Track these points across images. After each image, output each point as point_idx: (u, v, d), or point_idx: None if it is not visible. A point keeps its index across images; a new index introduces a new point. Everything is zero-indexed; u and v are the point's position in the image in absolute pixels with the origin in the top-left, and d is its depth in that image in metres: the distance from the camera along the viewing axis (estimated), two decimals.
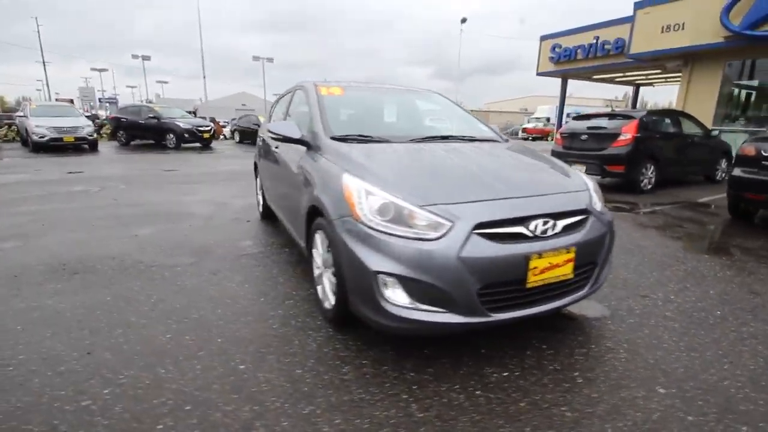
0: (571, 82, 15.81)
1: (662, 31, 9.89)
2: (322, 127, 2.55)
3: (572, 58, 13.59)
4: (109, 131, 17.36)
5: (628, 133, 6.56)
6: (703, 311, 2.49)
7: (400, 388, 1.72)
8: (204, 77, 25.82)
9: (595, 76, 14.90)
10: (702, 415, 1.59)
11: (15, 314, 2.30)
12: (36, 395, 1.64)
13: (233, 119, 31.59)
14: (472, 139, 2.80)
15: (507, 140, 3.00)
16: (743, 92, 10.29)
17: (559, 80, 15.52)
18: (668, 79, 14.99)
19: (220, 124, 24.98)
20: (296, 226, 2.78)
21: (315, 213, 2.30)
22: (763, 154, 4.25)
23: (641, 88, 17.67)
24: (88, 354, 1.92)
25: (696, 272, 3.14)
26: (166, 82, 67.63)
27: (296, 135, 2.59)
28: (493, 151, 2.59)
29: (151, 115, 14.94)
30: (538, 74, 15.37)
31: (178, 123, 14.81)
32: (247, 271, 3.01)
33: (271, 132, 2.68)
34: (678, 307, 2.54)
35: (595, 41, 12.72)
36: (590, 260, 2.03)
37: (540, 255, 1.80)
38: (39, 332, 2.11)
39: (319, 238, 2.28)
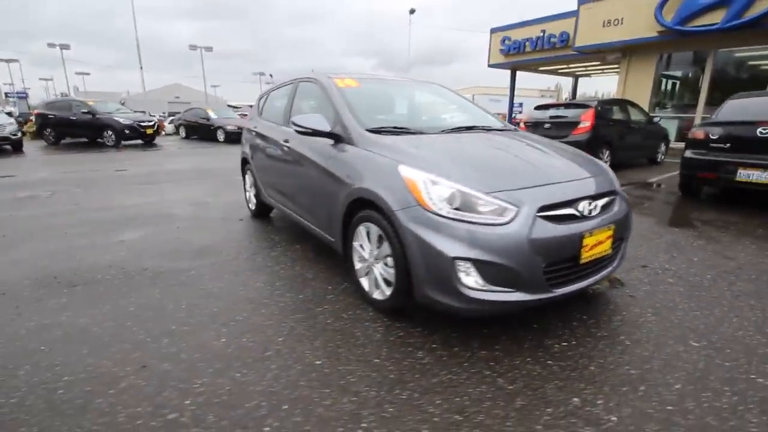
0: (507, 74, 16.51)
1: (603, 26, 10.75)
2: (354, 120, 2.53)
3: (521, 50, 14.33)
4: (33, 129, 15.47)
5: (586, 121, 7.12)
6: (696, 276, 2.84)
7: (479, 366, 1.81)
8: (141, 68, 23.67)
9: (541, 68, 15.85)
10: (735, 360, 1.86)
11: (31, 334, 2.07)
12: (109, 415, 1.52)
13: (168, 113, 29.49)
14: (490, 129, 2.93)
15: (516, 129, 3.17)
16: (669, 82, 11.51)
17: (500, 70, 16.19)
18: (605, 70, 16.33)
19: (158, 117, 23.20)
20: (323, 221, 2.75)
21: (358, 206, 2.30)
22: (711, 137, 4.85)
23: (579, 79, 19.08)
24: (143, 367, 1.80)
25: (676, 243, 3.55)
26: (87, 74, 61.12)
27: (326, 128, 2.55)
28: (520, 139, 2.73)
29: (85, 110, 13.52)
30: (490, 66, 16.03)
31: (117, 118, 13.57)
32: (269, 271, 2.93)
33: (296, 125, 2.61)
34: (675, 273, 2.88)
35: (542, 34, 13.52)
36: (620, 236, 2.24)
37: (591, 233, 1.97)
38: (72, 351, 1.92)
39: (363, 231, 2.29)
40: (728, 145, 4.71)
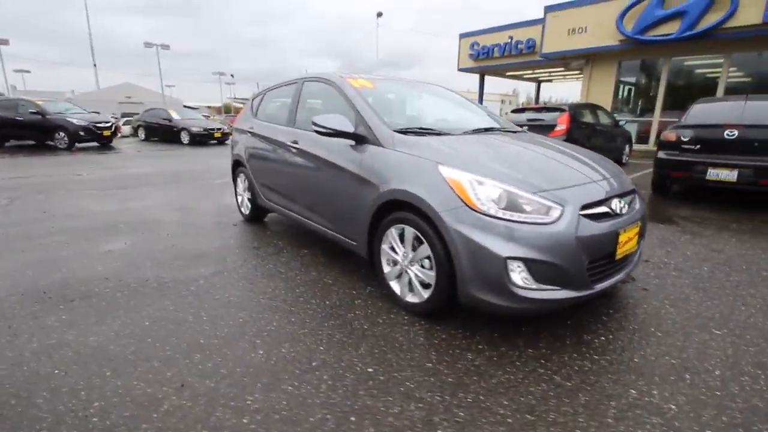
0: (470, 78, 17.03)
1: (569, 34, 11.30)
2: (379, 121, 2.48)
3: (490, 55, 14.76)
4: None
5: (562, 123, 7.44)
6: (695, 269, 3.03)
7: (531, 364, 1.82)
8: (95, 65, 22.08)
9: (508, 73, 16.41)
10: (757, 345, 1.99)
11: (37, 356, 1.86)
12: None
13: (121, 114, 27.71)
14: (507, 131, 2.98)
15: (525, 130, 3.24)
16: (628, 88, 12.29)
17: (467, 75, 16.62)
18: (566, 76, 17.19)
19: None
20: (342, 224, 2.68)
21: (389, 208, 2.26)
22: (683, 139, 5.21)
23: (541, 85, 19.96)
24: (182, 386, 1.66)
25: (666, 239, 3.77)
26: (27, 71, 56.33)
27: (350, 129, 2.49)
28: (539, 141, 2.79)
29: (34, 111, 12.46)
30: (459, 70, 16.40)
31: (70, 119, 12.60)
32: (285, 276, 2.81)
33: (318, 125, 2.52)
34: (676, 267, 3.06)
35: (510, 40, 14.00)
36: (642, 233, 2.35)
37: (624, 230, 2.05)
38: (93, 373, 1.74)
39: (395, 233, 2.25)
40: (698, 146, 5.08)
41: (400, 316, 2.25)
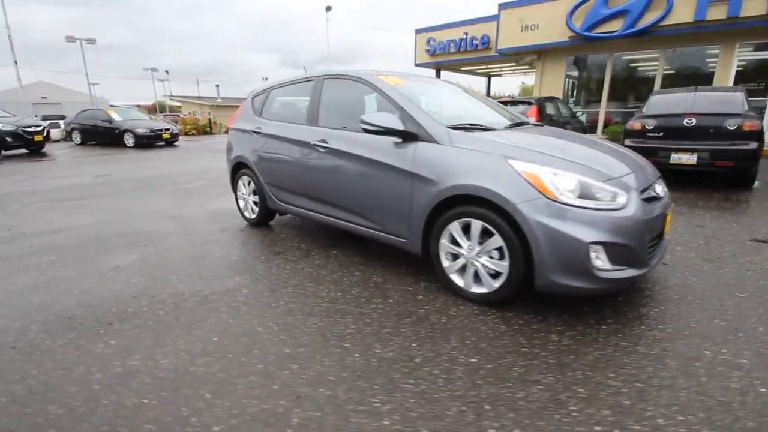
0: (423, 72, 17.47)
1: (522, 30, 11.92)
2: (430, 118, 2.51)
3: (446, 51, 15.16)
4: None
5: (531, 116, 7.88)
6: (692, 242, 3.40)
7: (613, 339, 1.97)
8: (15, 62, 19.43)
9: (463, 68, 16.96)
10: None
11: (111, 388, 1.69)
12: None
13: (42, 116, 24.93)
14: (535, 125, 3.14)
15: (543, 125, 3.44)
16: (577, 81, 13.23)
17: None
18: (515, 71, 18.12)
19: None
20: (389, 222, 2.68)
21: (450, 203, 2.31)
22: (647, 127, 5.76)
23: (491, 79, 20.87)
24: (298, 398, 1.60)
25: None
26: None
27: (399, 126, 2.49)
28: (567, 133, 2.98)
29: None
30: (416, 65, 16.65)
31: None
32: (332, 279, 2.76)
33: (367, 123, 2.51)
34: (678, 242, 3.40)
35: (465, 36, 14.47)
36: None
37: (669, 211, 2.27)
38: (191, 396, 1.63)
39: (458, 227, 2.31)
40: (662, 134, 5.65)
41: (468, 307, 2.32)
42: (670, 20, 9.28)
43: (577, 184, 2.00)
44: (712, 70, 10.09)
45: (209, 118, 25.42)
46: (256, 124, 3.82)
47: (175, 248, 3.45)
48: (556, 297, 2.33)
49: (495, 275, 2.24)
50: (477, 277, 2.33)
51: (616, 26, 10.08)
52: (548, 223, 1.97)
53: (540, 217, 1.98)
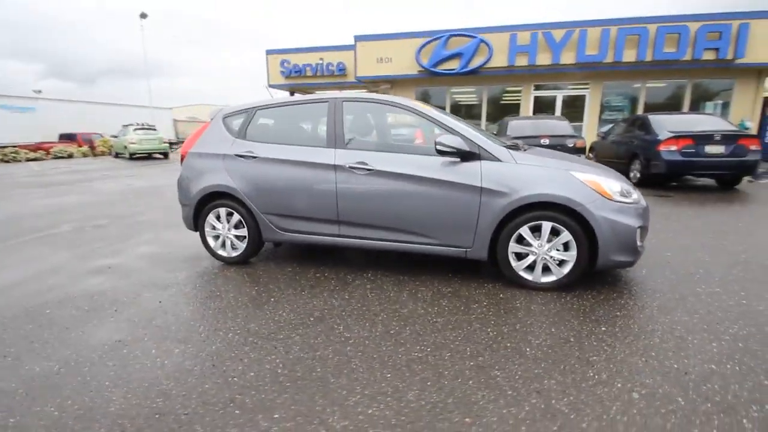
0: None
1: (377, 61, 13.27)
2: (487, 140, 2.87)
3: (302, 74, 15.37)
4: None
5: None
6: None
7: (652, 305, 2.73)
8: None
9: (317, 92, 17.39)
10: (764, 266, 3.52)
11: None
12: None
13: None
14: (530, 145, 3.85)
15: None
16: None
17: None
18: None
19: None
20: (453, 235, 2.88)
21: (518, 212, 2.73)
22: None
23: None
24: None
25: None
26: None
27: (465, 147, 2.77)
28: (563, 153, 3.75)
29: None
30: (270, 86, 16.24)
31: None
32: (398, 300, 2.76)
33: (444, 145, 2.71)
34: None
35: (321, 62, 15.02)
36: None
37: None
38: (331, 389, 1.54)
39: (527, 229, 2.74)
40: None
41: (538, 296, 2.74)
42: (492, 63, 12.05)
43: (620, 187, 2.72)
44: (517, 102, 13.51)
45: None
46: (242, 148, 3.36)
47: (169, 298, 2.72)
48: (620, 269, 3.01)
49: (560, 264, 2.77)
50: (545, 269, 2.81)
51: (454, 65, 12.39)
52: (609, 216, 2.61)
53: (603, 213, 2.61)
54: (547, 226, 2.72)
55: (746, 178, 7.14)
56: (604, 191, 2.66)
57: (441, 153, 2.79)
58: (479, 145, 2.85)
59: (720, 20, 10.15)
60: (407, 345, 2.17)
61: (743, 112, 11.29)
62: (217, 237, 3.55)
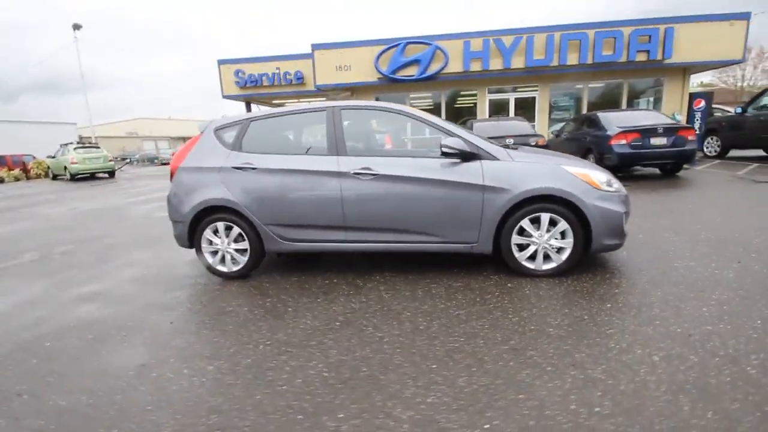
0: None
1: (336, 69, 13.34)
2: (485, 142, 3.06)
3: (259, 84, 15.05)
4: None
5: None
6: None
7: (642, 281, 3.04)
8: None
9: (274, 101, 17.09)
10: (740, 233, 3.95)
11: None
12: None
13: None
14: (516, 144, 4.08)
15: None
16: None
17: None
18: None
19: None
20: (459, 232, 3.03)
21: (519, 206, 2.94)
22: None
23: None
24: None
25: None
26: None
27: (467, 149, 2.94)
28: (545, 150, 4.02)
29: None
30: (224, 97, 15.75)
31: None
32: (430, 303, 2.87)
33: (449, 147, 2.87)
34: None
35: (278, 71, 14.80)
36: None
37: None
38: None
39: (528, 221, 2.96)
40: None
41: (542, 282, 2.95)
42: (448, 69, 12.53)
43: (606, 178, 3.01)
44: (472, 105, 14.12)
45: None
46: (238, 160, 3.32)
47: (178, 320, 2.63)
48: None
49: (558, 251, 3.01)
50: (545, 257, 3.03)
51: (413, 71, 12.75)
52: (599, 204, 2.87)
53: (594, 202, 2.87)
54: (545, 217, 2.94)
55: (685, 166, 7.97)
56: (593, 182, 2.93)
57: (446, 155, 2.94)
58: (478, 146, 3.03)
59: (649, 25, 11.30)
60: (440, 338, 2.27)
61: (673, 107, 12.60)
62: (215, 252, 3.46)
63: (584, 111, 13.13)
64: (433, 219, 3.07)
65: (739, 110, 9.25)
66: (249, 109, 17.17)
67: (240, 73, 15.09)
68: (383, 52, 12.72)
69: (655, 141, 7.12)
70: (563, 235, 2.97)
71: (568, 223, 2.92)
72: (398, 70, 12.81)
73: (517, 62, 12.14)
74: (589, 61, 11.75)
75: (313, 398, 1.81)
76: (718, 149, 10.00)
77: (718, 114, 12.09)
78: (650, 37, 11.27)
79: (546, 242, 3.00)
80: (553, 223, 2.96)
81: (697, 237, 3.82)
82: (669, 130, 7.11)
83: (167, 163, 34.20)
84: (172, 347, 2.36)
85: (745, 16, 11.22)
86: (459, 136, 3.04)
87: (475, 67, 12.39)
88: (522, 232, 3.01)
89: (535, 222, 2.99)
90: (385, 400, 1.76)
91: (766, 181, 6.54)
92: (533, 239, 3.00)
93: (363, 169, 3.10)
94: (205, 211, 3.38)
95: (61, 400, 1.93)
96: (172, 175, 3.51)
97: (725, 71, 31.81)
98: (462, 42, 12.32)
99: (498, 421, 1.60)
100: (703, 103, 11.74)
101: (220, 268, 3.47)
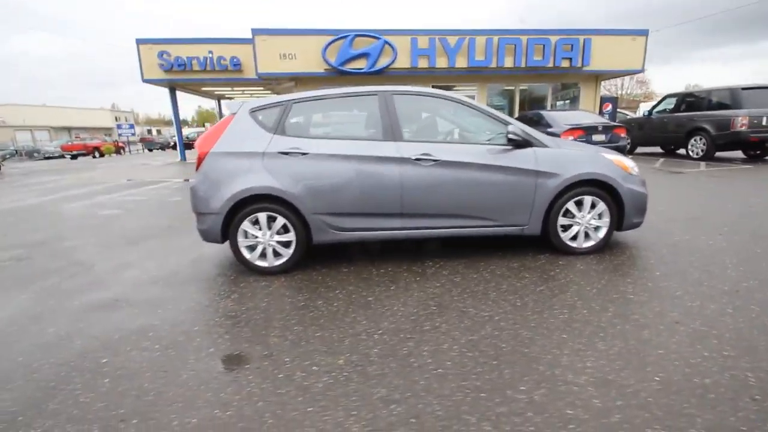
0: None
1: (280, 58, 12.68)
2: (532, 129, 3.26)
3: (187, 68, 13.58)
4: None
5: None
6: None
7: (647, 262, 3.52)
8: None
9: (204, 89, 15.56)
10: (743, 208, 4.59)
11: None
12: None
13: None
14: None
15: None
16: None
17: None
18: (253, 94, 18.35)
19: None
20: (511, 215, 3.21)
21: (569, 188, 3.22)
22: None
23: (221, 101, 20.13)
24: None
25: None
26: None
27: (525, 137, 3.12)
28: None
29: None
30: (144, 81, 13.88)
31: None
32: (509, 287, 2.98)
33: (516, 135, 3.03)
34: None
35: (210, 55, 13.50)
36: None
37: None
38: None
39: (573, 204, 3.26)
40: None
41: (587, 259, 3.28)
42: (397, 65, 12.74)
43: (633, 164, 3.43)
44: None
45: None
46: (284, 144, 3.07)
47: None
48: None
49: (596, 230, 3.36)
50: (588, 236, 3.36)
51: (362, 65, 12.69)
52: (631, 187, 3.29)
53: (628, 184, 3.27)
54: (588, 200, 3.27)
55: None
56: (626, 167, 3.33)
57: (511, 141, 3.09)
58: (530, 134, 3.23)
59: (571, 35, 12.78)
60: (545, 312, 2.42)
61: (588, 109, 14.48)
62: (253, 247, 3.16)
63: (516, 110, 14.39)
64: (491, 203, 3.20)
65: (646, 113, 11.02)
66: (174, 96, 15.47)
67: (164, 55, 13.49)
68: (331, 42, 12.44)
69: (597, 137, 8.17)
70: (600, 215, 3.32)
71: (606, 204, 3.28)
72: (347, 62, 12.64)
73: (461, 62, 12.83)
74: (523, 64, 12.90)
75: (479, 377, 1.83)
76: (628, 147, 11.79)
77: (620, 115, 14.23)
78: (572, 46, 12.78)
79: (587, 222, 3.33)
80: (593, 204, 3.30)
81: (671, 217, 4.52)
82: (607, 128, 8.21)
83: (51, 157, 29.11)
84: (276, 347, 2.14)
85: (644, 33, 13.33)
86: (514, 125, 3.21)
87: (423, 63, 12.78)
88: (566, 213, 3.30)
89: (577, 204, 3.30)
90: (551, 369, 1.85)
91: (679, 172, 7.94)
92: (576, 220, 3.31)
93: (423, 155, 3.10)
94: (244, 201, 3.07)
95: (188, 417, 1.65)
96: (199, 161, 3.11)
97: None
98: (410, 38, 12.60)
99: (659, 372, 1.79)
100: (610, 107, 13.72)
101: (260, 263, 3.19)
